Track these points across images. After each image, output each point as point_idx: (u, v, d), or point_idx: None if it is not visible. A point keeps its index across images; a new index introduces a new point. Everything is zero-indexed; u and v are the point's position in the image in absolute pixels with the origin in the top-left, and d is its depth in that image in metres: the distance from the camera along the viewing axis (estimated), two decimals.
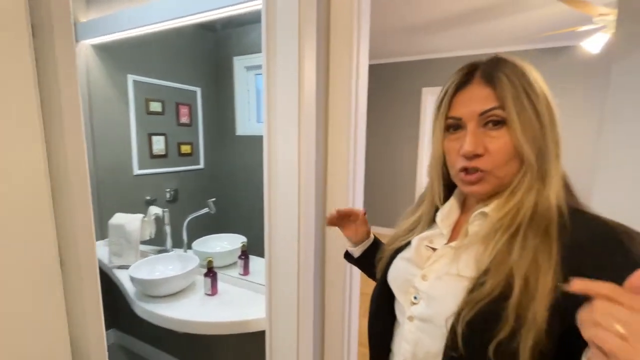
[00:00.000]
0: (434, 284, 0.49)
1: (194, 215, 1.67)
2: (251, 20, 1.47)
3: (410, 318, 0.51)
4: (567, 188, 0.47)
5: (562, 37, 2.99)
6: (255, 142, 1.82)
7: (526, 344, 0.38)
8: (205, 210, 1.69)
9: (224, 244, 1.75)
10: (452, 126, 0.50)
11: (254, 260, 1.57)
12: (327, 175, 1.17)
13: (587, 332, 0.29)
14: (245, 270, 1.54)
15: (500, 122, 0.45)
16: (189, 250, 1.68)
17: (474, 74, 0.48)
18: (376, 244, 0.73)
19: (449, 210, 0.54)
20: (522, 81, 0.44)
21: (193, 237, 1.71)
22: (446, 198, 0.56)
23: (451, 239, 0.53)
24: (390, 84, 4.06)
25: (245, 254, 1.55)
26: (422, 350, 0.49)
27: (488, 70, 0.47)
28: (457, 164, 0.49)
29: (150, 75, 1.88)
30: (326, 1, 1.04)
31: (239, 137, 1.93)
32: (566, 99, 3.09)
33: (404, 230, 0.60)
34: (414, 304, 0.51)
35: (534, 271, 0.40)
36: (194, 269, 1.45)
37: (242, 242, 1.58)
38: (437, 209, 0.56)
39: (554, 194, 0.44)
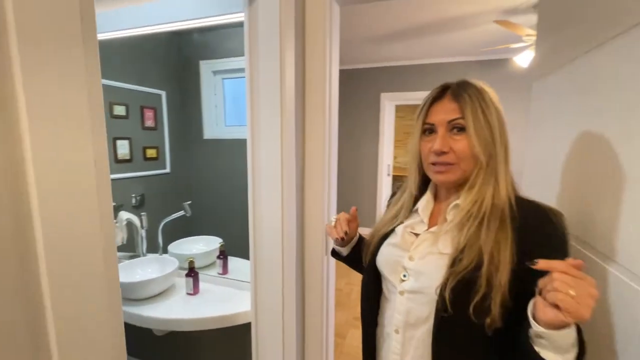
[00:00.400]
0: (420, 262, 0.61)
1: (170, 219, 1.68)
2: (218, 26, 1.51)
3: (401, 292, 0.63)
4: (512, 182, 0.62)
5: (500, 52, 3.41)
6: (223, 146, 1.87)
7: (495, 302, 0.52)
8: (181, 213, 1.71)
9: (200, 246, 1.77)
10: (427, 130, 0.64)
11: (231, 260, 1.62)
12: (305, 175, 1.27)
13: (549, 296, 0.42)
14: (224, 269, 1.59)
15: (462, 129, 0.59)
16: (164, 254, 1.69)
17: (446, 92, 0.62)
18: (361, 241, 0.84)
19: (426, 202, 0.68)
20: (479, 100, 0.59)
21: (166, 240, 1.71)
22: (421, 187, 0.70)
23: (430, 225, 0.66)
24: (352, 89, 4.28)
25: (223, 254, 1.60)
26: (413, 317, 0.61)
27: (456, 90, 0.61)
28: (429, 159, 0.63)
29: (114, 78, 1.84)
30: (301, 13, 1.15)
31: (206, 140, 1.94)
32: (503, 105, 3.50)
33: (389, 218, 0.72)
34: (404, 280, 0.63)
35: (496, 248, 0.54)
36: (174, 271, 1.47)
37: (221, 243, 1.63)
38: (415, 200, 0.70)
39: (504, 190, 0.58)
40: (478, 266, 0.53)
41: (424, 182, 0.70)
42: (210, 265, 1.65)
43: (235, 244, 1.70)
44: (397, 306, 0.64)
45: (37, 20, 0.39)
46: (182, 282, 1.49)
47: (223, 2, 1.29)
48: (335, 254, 0.87)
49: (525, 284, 0.49)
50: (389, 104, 4.31)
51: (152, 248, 1.69)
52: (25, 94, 0.38)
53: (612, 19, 0.56)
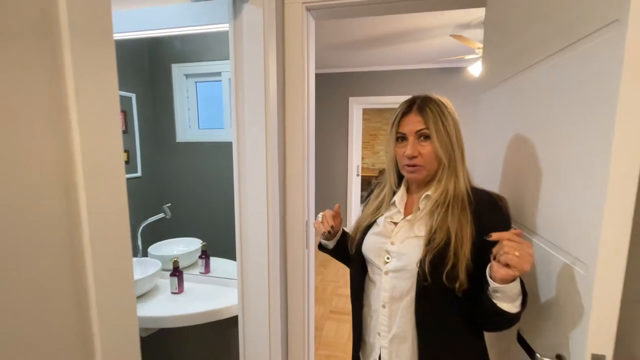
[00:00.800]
0: (400, 245, 0.75)
1: (149, 221, 1.70)
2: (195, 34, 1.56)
3: (386, 272, 0.76)
4: (468, 176, 0.77)
5: (456, 61, 3.73)
6: (198, 149, 1.91)
7: (462, 269, 0.66)
8: (161, 215, 1.73)
9: (180, 247, 1.80)
10: (399, 138, 0.78)
11: (212, 260, 1.67)
12: (286, 174, 1.38)
13: (500, 257, 0.58)
14: (207, 268, 1.65)
15: (427, 137, 0.74)
16: (144, 257, 1.70)
17: (413, 107, 0.76)
18: (344, 235, 0.96)
19: (401, 196, 0.82)
20: (439, 113, 0.73)
21: (146, 243, 1.73)
22: (398, 183, 0.84)
23: (405, 214, 0.80)
24: (322, 93, 4.43)
25: (205, 253, 1.66)
26: (397, 291, 0.74)
27: (420, 105, 0.75)
28: (403, 161, 0.77)
29: None
30: (281, 26, 1.26)
31: (179, 143, 1.95)
32: (460, 109, 3.84)
33: (370, 211, 0.85)
34: (387, 262, 0.76)
35: (460, 228, 0.69)
36: (157, 272, 1.50)
37: (203, 243, 1.68)
38: (393, 194, 0.83)
39: (462, 183, 0.74)
40: (447, 243, 0.68)
41: (400, 180, 0.85)
42: (192, 265, 1.69)
43: (216, 245, 1.75)
44: (383, 285, 0.76)
45: (85, 22, 0.46)
46: (166, 283, 1.52)
47: (205, 13, 1.36)
48: (322, 247, 0.99)
49: (482, 253, 0.65)
50: (357, 108, 4.52)
51: (133, 250, 1.70)
52: (77, 98, 0.45)
53: (532, 49, 0.74)
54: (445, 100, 0.77)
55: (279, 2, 1.22)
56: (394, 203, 0.82)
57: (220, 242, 1.73)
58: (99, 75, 0.48)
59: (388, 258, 0.76)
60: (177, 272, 1.46)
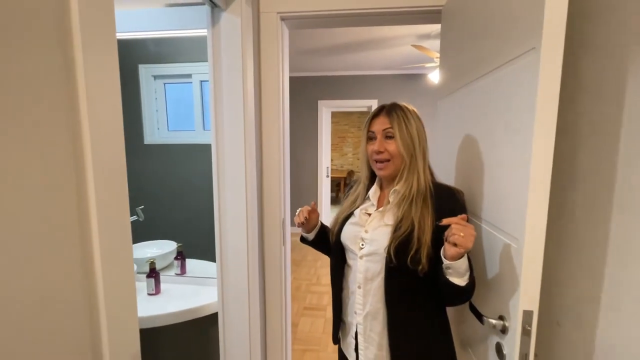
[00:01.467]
0: (373, 233, 0.86)
1: None
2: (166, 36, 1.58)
3: (361, 257, 0.86)
4: (431, 172, 0.90)
5: (418, 68, 3.99)
6: (168, 151, 1.91)
7: (424, 254, 0.77)
8: (133, 218, 1.71)
9: (154, 250, 1.79)
10: (370, 137, 0.90)
11: (187, 262, 1.69)
12: (263, 175, 1.44)
13: (450, 238, 0.69)
14: (182, 269, 1.66)
15: (391, 137, 0.85)
16: None
17: (382, 111, 0.88)
18: (323, 227, 1.07)
19: (375, 190, 0.93)
20: (403, 117, 0.85)
21: None
22: (371, 179, 0.96)
23: (378, 206, 0.91)
24: (292, 96, 4.50)
25: (181, 254, 1.67)
26: (370, 273, 0.85)
27: (388, 110, 0.87)
28: (372, 157, 0.89)
29: None
30: (257, 35, 1.33)
31: (147, 145, 1.93)
32: (422, 112, 4.11)
33: (348, 204, 0.97)
34: (362, 248, 0.86)
35: (422, 218, 0.80)
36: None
37: (178, 244, 1.69)
38: (367, 189, 0.95)
39: (423, 178, 0.85)
40: (411, 231, 0.79)
41: (372, 176, 0.96)
42: (168, 267, 1.70)
43: (191, 246, 1.76)
44: (358, 268, 0.87)
45: (94, 23, 0.51)
46: (141, 285, 1.52)
47: (179, 19, 1.39)
48: (303, 240, 1.08)
49: (440, 240, 0.76)
50: (326, 111, 4.65)
51: None
52: (87, 92, 0.50)
53: (477, 65, 0.88)
54: (411, 107, 0.90)
55: (255, 12, 1.29)
56: (368, 197, 0.93)
57: (195, 244, 1.74)
58: (107, 78, 0.53)
59: (362, 244, 0.87)
60: (153, 273, 1.47)
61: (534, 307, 0.64)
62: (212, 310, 1.43)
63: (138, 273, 1.56)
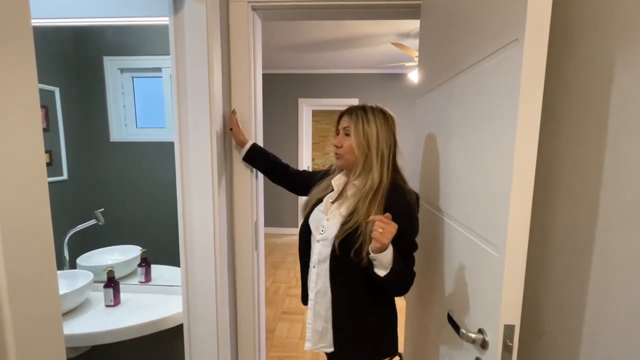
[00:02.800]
0: (331, 221, 0.93)
1: (78, 229, 1.53)
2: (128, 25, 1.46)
3: (318, 241, 0.94)
4: (399, 172, 0.94)
5: (398, 67, 3.98)
6: (136, 149, 1.78)
7: (365, 249, 0.81)
8: (92, 222, 1.58)
9: (116, 256, 1.66)
10: (336, 132, 0.98)
11: (153, 268, 1.57)
12: (234, 174, 1.35)
13: (372, 235, 0.76)
14: (147, 277, 1.54)
15: (348, 134, 0.92)
16: (72, 269, 1.53)
17: (349, 110, 0.95)
18: (254, 147, 1.26)
19: (339, 178, 1.00)
20: (363, 119, 0.91)
21: (75, 254, 1.56)
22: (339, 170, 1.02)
23: (339, 196, 0.98)
24: (272, 93, 4.40)
25: (145, 261, 1.55)
26: (322, 255, 0.93)
27: (352, 110, 0.94)
28: (333, 149, 0.97)
29: None
30: (226, 25, 1.24)
31: (114, 143, 1.80)
32: (399, 112, 4.11)
33: (321, 189, 1.04)
34: (321, 233, 0.94)
35: (370, 214, 0.84)
36: (87, 285, 1.36)
37: (143, 250, 1.57)
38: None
39: (377, 178, 0.89)
40: (358, 225, 0.85)
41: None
42: (131, 274, 1.57)
43: (158, 251, 1.64)
44: (315, 249, 0.96)
45: None
46: (99, 296, 1.39)
47: (140, 5, 1.28)
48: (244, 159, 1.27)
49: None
50: (306, 109, 4.57)
51: (59, 262, 1.52)
52: None
53: (458, 60, 0.83)
54: (386, 111, 0.94)
55: (224, 0, 1.19)
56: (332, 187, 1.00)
57: (163, 249, 1.63)
58: (14, 66, 0.43)
59: (322, 230, 0.94)
60: (112, 282, 1.35)
61: (516, 321, 0.59)
62: (178, 322, 1.33)
63: (95, 282, 1.43)
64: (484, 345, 0.66)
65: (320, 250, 0.93)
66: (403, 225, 0.79)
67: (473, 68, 0.74)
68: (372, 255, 0.79)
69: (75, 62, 1.72)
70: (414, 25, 2.57)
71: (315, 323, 0.97)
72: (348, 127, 0.93)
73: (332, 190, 1.00)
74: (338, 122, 0.98)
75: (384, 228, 0.75)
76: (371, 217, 0.79)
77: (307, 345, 0.99)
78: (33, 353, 0.48)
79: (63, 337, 0.54)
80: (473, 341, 0.67)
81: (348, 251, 0.84)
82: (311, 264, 0.98)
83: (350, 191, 0.94)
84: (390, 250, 0.78)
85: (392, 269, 0.79)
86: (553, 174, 0.72)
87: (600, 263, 0.60)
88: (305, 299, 1.06)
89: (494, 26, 0.65)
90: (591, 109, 0.62)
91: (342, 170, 1.02)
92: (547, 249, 0.74)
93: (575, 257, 0.65)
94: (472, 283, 0.74)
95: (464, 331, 0.68)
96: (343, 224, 0.87)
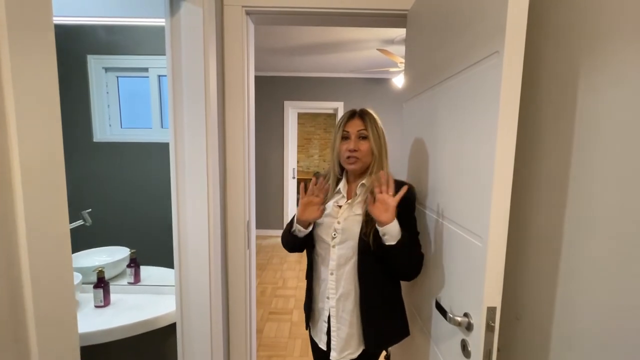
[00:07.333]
0: (344, 223, 0.96)
1: None
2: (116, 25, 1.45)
3: (333, 246, 0.97)
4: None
5: (383, 72, 4.09)
6: (121, 149, 1.76)
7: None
8: (79, 222, 1.55)
9: (104, 257, 1.63)
10: (344, 137, 1.00)
11: (142, 269, 1.56)
12: (227, 175, 1.37)
13: (377, 196, 0.87)
14: (136, 278, 1.53)
15: (364, 137, 0.97)
16: None
17: (355, 114, 1.00)
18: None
19: (344, 184, 1.03)
20: (373, 121, 0.98)
21: None
22: (340, 173, 1.05)
23: (347, 198, 1.01)
24: (258, 95, 4.41)
25: (134, 262, 1.54)
26: (342, 259, 0.96)
27: (361, 114, 0.99)
28: (345, 155, 0.98)
29: None
30: (221, 29, 1.26)
31: (98, 144, 1.77)
32: (385, 116, 4.23)
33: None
34: (334, 237, 0.96)
35: None
36: (76, 286, 1.35)
37: (132, 251, 1.56)
38: (337, 183, 1.04)
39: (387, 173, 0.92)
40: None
41: (340, 171, 1.06)
42: (120, 275, 1.56)
43: (146, 252, 1.63)
44: (331, 256, 0.97)
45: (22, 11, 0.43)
46: (87, 297, 1.37)
47: (133, 6, 1.29)
48: (291, 234, 1.00)
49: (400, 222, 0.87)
50: (292, 112, 4.61)
51: None
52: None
53: (442, 68, 0.90)
54: (374, 111, 1.02)
55: (219, 4, 1.23)
56: (339, 190, 1.03)
57: (151, 249, 1.62)
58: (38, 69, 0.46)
59: (335, 234, 0.97)
60: (102, 283, 1.34)
61: (497, 304, 0.66)
62: (170, 321, 1.33)
63: (84, 283, 1.42)
64: (469, 327, 0.72)
65: (340, 254, 0.95)
66: (409, 214, 0.90)
67: (458, 75, 0.81)
68: (382, 229, 0.85)
69: (58, 60, 1.68)
70: (398, 32, 2.67)
71: (339, 330, 0.97)
72: (364, 130, 0.96)
73: (331, 197, 1.02)
74: (343, 126, 0.99)
75: (382, 201, 0.84)
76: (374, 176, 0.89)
77: (333, 355, 0.98)
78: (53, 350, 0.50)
79: (78, 336, 0.56)
80: (459, 324, 0.73)
81: (379, 244, 0.88)
82: (325, 273, 0.99)
83: (359, 192, 0.98)
84: (396, 222, 0.85)
85: (402, 236, 0.86)
86: (533, 176, 0.80)
87: (567, 259, 0.68)
88: (308, 322, 1.08)
89: (477, 39, 0.72)
90: (562, 118, 0.70)
91: (337, 176, 1.05)
92: (524, 246, 0.82)
93: (548, 253, 0.73)
94: (458, 271, 0.80)
95: (451, 315, 0.75)
96: (367, 222, 0.92)
